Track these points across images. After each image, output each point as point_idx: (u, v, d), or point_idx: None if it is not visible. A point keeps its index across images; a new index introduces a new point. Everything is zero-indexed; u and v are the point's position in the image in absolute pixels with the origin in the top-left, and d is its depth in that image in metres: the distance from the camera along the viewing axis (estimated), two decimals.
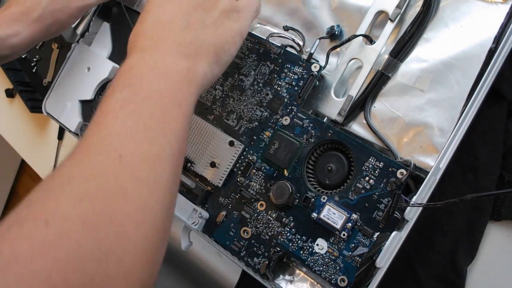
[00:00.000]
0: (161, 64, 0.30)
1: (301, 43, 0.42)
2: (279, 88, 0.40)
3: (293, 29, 0.42)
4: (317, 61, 0.40)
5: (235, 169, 0.41)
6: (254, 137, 0.40)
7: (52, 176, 0.24)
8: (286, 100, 0.40)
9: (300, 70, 0.39)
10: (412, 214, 0.32)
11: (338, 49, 0.40)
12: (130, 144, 0.26)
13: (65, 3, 0.44)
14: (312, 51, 0.39)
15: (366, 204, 0.35)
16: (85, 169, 0.24)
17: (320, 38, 0.40)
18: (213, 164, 0.41)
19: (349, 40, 0.38)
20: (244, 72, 0.42)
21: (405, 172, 0.34)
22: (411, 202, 0.32)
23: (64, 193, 0.23)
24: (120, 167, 0.25)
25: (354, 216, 0.35)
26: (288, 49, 0.41)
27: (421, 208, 0.32)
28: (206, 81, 0.32)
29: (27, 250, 0.20)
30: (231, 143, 0.40)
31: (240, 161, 0.41)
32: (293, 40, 0.41)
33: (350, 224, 0.35)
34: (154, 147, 0.26)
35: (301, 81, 0.39)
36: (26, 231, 0.21)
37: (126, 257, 0.23)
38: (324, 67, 0.39)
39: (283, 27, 0.42)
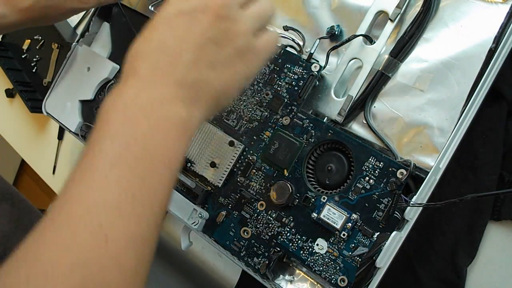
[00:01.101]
0: (158, 110, 0.27)
1: (301, 43, 0.42)
2: (279, 88, 0.40)
3: (293, 29, 0.42)
4: (317, 61, 0.40)
5: (235, 169, 0.41)
6: (254, 137, 0.40)
7: (30, 249, 0.23)
8: (286, 100, 0.40)
9: (300, 70, 0.39)
10: (412, 214, 0.32)
11: (338, 49, 0.39)
12: (117, 221, 0.24)
13: (60, 2, 0.43)
14: (312, 51, 0.39)
15: (366, 204, 0.35)
16: (68, 251, 0.23)
17: (320, 38, 0.40)
18: (213, 164, 0.41)
19: (349, 40, 0.38)
20: None
21: (405, 172, 0.34)
22: (411, 202, 0.32)
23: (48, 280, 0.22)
24: (106, 253, 0.23)
25: (354, 216, 0.35)
26: (288, 49, 0.41)
27: (421, 208, 0.32)
28: (196, 128, 0.30)
29: None
30: (231, 143, 0.40)
31: (240, 161, 0.41)
32: (293, 40, 0.41)
33: (350, 224, 0.35)
34: (141, 226, 0.25)
35: (301, 81, 0.39)
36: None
37: None
38: (324, 67, 0.39)
39: (283, 27, 0.42)
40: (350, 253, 0.35)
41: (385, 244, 0.32)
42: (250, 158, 0.40)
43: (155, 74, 0.28)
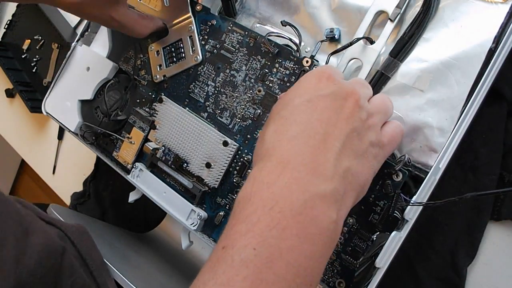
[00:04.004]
0: (310, 211, 0.25)
1: (297, 41, 0.41)
2: (271, 85, 0.40)
3: (290, 25, 0.41)
4: (317, 61, 0.40)
5: (230, 169, 0.40)
6: (248, 136, 0.40)
7: None
8: (278, 97, 0.39)
9: (292, 65, 0.39)
10: (412, 214, 0.32)
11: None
12: None
13: None
14: (313, 54, 0.39)
15: (362, 207, 0.35)
16: None
17: (321, 41, 0.40)
18: (208, 165, 0.41)
19: (351, 44, 0.38)
20: (236, 67, 0.41)
21: (400, 175, 0.33)
22: (411, 201, 0.32)
23: None
24: None
25: (350, 219, 0.35)
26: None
27: (421, 208, 0.32)
28: (340, 231, 0.27)
29: None
30: (225, 144, 0.40)
31: (235, 161, 0.40)
32: (290, 39, 0.41)
33: (345, 228, 0.35)
34: None
35: (293, 77, 0.39)
36: None
37: None
38: None
39: (281, 22, 0.42)
40: (347, 256, 0.35)
41: (384, 244, 0.32)
42: (245, 158, 0.40)
43: (305, 163, 0.26)
